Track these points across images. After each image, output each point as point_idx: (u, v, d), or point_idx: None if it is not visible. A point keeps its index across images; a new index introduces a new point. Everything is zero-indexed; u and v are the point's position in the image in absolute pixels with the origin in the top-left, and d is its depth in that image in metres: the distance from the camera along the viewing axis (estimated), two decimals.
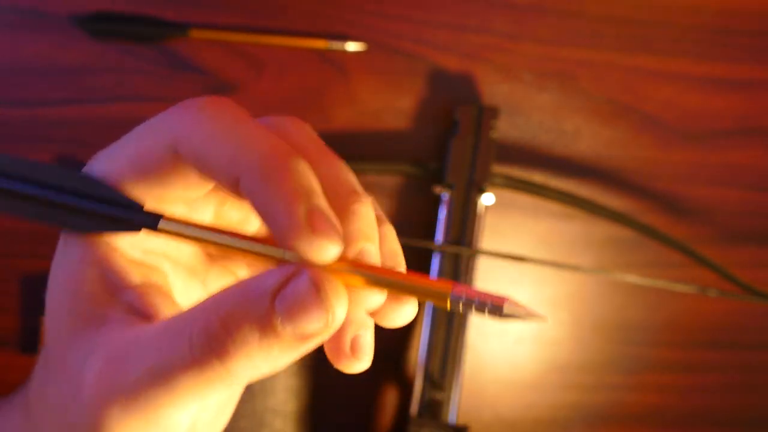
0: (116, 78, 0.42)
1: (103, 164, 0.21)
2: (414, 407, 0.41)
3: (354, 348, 0.20)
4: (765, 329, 0.48)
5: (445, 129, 0.44)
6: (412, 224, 0.44)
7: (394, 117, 0.44)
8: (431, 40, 0.43)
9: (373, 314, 0.20)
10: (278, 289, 0.17)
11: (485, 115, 0.42)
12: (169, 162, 0.20)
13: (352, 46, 0.42)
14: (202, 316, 0.17)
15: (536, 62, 0.44)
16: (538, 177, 0.45)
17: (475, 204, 0.41)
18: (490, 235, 0.45)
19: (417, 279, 0.18)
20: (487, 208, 0.43)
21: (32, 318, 0.43)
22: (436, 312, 0.41)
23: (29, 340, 0.43)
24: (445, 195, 0.42)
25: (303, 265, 0.17)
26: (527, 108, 0.45)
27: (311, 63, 0.43)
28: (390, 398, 0.46)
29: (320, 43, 0.42)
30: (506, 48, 0.44)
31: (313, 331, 0.17)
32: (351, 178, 0.20)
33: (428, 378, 0.41)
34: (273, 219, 0.17)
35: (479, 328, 0.46)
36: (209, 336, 0.17)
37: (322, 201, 0.18)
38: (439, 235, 0.41)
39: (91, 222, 0.20)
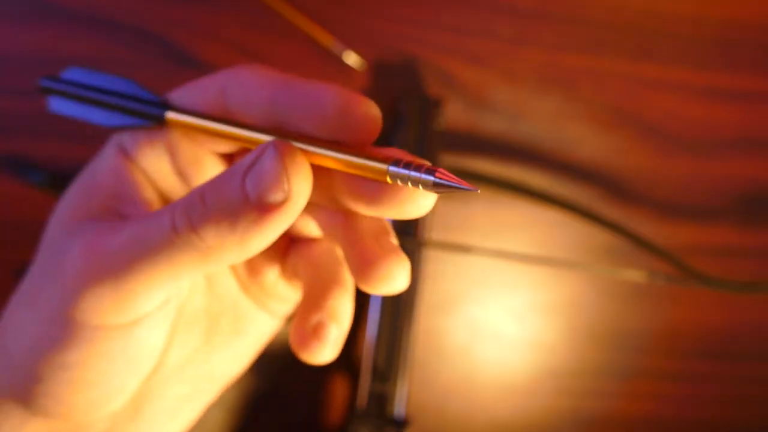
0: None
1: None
2: (361, 400, 0.41)
3: (317, 331, 0.21)
4: (761, 340, 0.48)
5: (391, 122, 0.44)
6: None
7: (394, 117, 0.44)
8: (434, 44, 0.43)
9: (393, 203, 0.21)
10: (250, 166, 0.18)
11: (429, 106, 0.42)
12: (217, 107, 0.21)
13: (351, 59, 0.42)
14: (186, 196, 0.19)
15: (539, 68, 0.44)
16: (537, 182, 0.45)
17: None
18: (490, 237, 0.45)
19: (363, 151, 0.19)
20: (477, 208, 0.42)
21: None
22: (384, 304, 0.41)
23: None
24: None
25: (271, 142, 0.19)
26: (529, 114, 0.45)
27: (312, 62, 0.43)
28: (341, 392, 0.46)
29: (326, 39, 0.42)
30: (509, 53, 0.44)
31: (274, 199, 0.18)
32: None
33: (375, 371, 0.41)
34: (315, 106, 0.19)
35: (474, 331, 0.46)
36: (188, 208, 0.18)
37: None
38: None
39: (115, 116, 0.23)
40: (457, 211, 0.45)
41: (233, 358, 0.25)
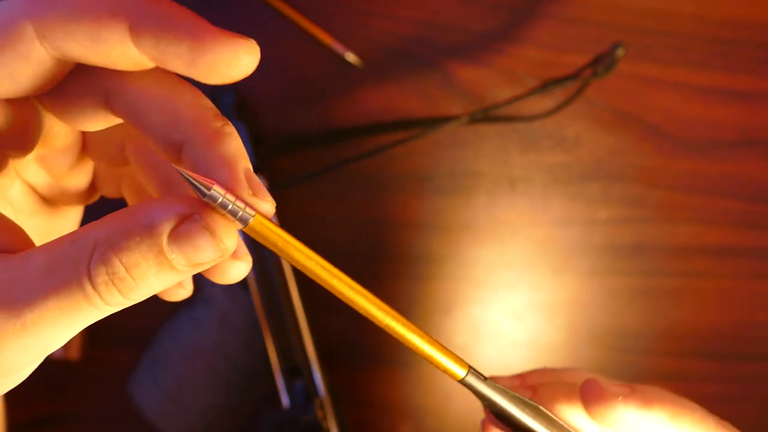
0: None
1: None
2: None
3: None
4: (761, 340, 0.48)
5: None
6: None
7: (394, 117, 0.44)
8: (434, 43, 0.43)
9: (208, 272, 0.21)
10: (172, 229, 0.18)
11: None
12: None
13: (350, 57, 0.42)
14: (93, 247, 0.18)
15: (539, 67, 0.44)
16: (537, 180, 0.45)
17: None
18: (488, 241, 0.45)
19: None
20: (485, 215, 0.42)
21: None
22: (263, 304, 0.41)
23: None
24: None
25: (192, 206, 0.18)
26: (529, 114, 0.45)
27: (313, 62, 0.43)
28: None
29: (326, 38, 0.42)
30: (510, 52, 0.44)
31: (204, 261, 0.18)
32: (210, 102, 0.21)
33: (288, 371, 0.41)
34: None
35: (474, 331, 0.46)
36: (108, 270, 0.18)
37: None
38: None
39: None
40: (457, 211, 0.45)
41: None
